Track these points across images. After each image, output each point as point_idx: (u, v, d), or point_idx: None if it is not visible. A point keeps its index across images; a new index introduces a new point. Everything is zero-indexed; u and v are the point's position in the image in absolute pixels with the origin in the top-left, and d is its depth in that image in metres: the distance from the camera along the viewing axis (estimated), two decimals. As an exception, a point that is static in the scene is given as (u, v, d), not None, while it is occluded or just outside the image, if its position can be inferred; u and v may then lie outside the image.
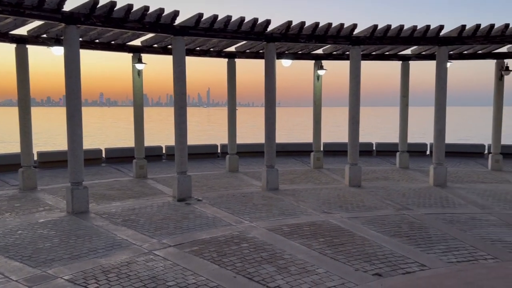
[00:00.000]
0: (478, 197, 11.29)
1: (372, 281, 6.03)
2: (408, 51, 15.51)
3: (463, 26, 12.34)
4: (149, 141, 21.42)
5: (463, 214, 9.58)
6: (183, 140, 11.19)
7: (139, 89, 14.11)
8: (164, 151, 18.55)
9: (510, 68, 15.35)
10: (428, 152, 19.43)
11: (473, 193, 11.75)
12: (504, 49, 14.95)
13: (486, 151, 18.98)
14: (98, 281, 5.99)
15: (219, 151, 19.25)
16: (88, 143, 34.62)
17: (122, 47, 13.18)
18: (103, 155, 17.28)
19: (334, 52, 15.42)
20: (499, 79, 15.62)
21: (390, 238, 7.89)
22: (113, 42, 12.77)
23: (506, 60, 15.42)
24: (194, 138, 39.98)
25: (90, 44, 12.36)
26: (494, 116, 15.86)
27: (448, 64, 13.29)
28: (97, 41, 12.41)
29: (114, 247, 7.38)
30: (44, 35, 11.46)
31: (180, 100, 11.09)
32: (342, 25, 12.30)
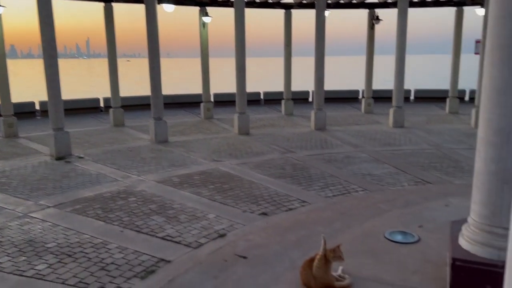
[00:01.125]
0: (353, 137, 12.42)
1: (259, 220, 6.35)
2: (290, 0, 15.84)
3: (339, -24, 12.90)
4: (21, 97, 19.17)
5: (340, 154, 10.49)
6: (57, 93, 10.18)
7: None
8: (38, 107, 16.82)
9: (380, 18, 16.64)
10: (310, 99, 20.60)
11: (348, 134, 12.88)
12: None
13: (360, 96, 20.78)
14: (-37, 252, 5.36)
15: (102, 105, 18.07)
16: None
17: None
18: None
19: (219, -1, 15.10)
20: (371, 28, 16.89)
21: (275, 180, 8.33)
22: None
23: (376, 10, 16.65)
24: (74, 92, 36.84)
25: None
26: (366, 63, 17.27)
27: (326, 13, 13.91)
28: None
29: (-19, 214, 6.63)
30: None
31: (49, 48, 9.92)
32: (224, -31, 11.98)
